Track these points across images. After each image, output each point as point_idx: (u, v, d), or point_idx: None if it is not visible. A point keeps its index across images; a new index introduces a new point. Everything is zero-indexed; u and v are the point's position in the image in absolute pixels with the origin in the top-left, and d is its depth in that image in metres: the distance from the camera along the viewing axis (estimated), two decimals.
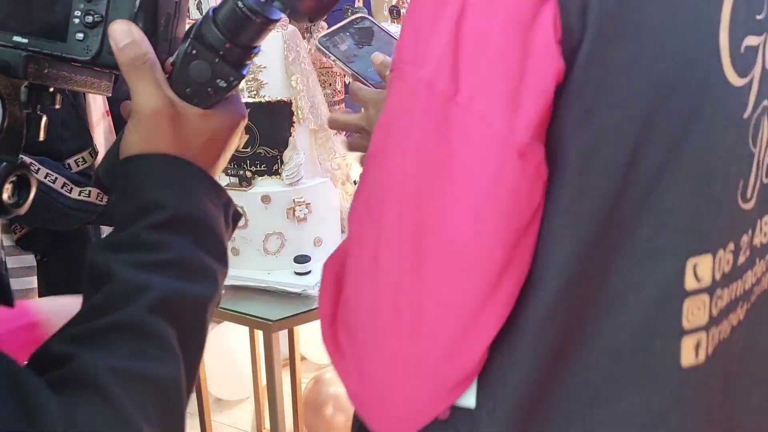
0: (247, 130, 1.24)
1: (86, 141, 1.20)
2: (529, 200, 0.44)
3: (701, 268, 0.48)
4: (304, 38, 2.20)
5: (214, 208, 0.49)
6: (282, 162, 1.27)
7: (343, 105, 2.25)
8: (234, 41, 0.48)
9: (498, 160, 0.43)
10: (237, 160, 1.27)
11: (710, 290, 0.49)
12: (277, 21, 0.49)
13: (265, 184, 1.28)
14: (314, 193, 1.30)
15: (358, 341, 0.50)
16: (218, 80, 0.49)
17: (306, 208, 1.29)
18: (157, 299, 0.43)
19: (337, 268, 0.54)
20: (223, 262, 0.50)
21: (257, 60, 1.20)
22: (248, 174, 1.27)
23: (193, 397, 1.95)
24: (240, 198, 1.27)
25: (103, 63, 0.48)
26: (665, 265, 0.47)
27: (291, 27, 1.26)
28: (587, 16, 0.41)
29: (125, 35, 0.46)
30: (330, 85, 2.12)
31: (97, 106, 1.22)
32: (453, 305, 0.45)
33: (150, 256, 0.45)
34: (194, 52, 0.48)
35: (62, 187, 1.12)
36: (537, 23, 0.42)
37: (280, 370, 1.31)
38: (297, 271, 1.31)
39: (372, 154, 0.49)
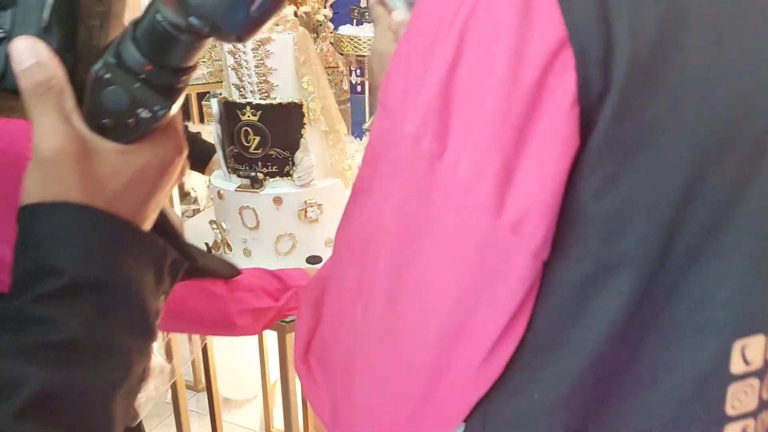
0: (259, 131, 1.24)
1: None
2: (521, 281, 0.40)
3: (751, 351, 0.42)
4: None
5: (137, 265, 0.40)
6: (293, 163, 1.27)
7: (349, 104, 2.26)
8: (157, 62, 0.39)
9: (481, 236, 0.39)
10: (249, 162, 1.28)
11: (761, 373, 0.43)
12: (208, 37, 0.39)
13: (276, 186, 1.29)
14: (326, 195, 1.30)
15: (332, 378, 0.48)
16: (140, 110, 0.39)
17: (318, 209, 1.30)
18: (32, 398, 0.34)
19: (316, 295, 0.53)
20: (146, 332, 0.41)
21: (268, 62, 1.20)
22: (260, 175, 1.28)
23: (204, 397, 1.95)
24: (252, 199, 1.28)
25: (9, 87, 0.39)
26: (707, 344, 0.42)
27: (301, 28, 1.27)
28: (612, 68, 0.37)
29: (28, 55, 0.37)
30: (336, 84, 2.14)
31: None
32: (419, 369, 0.43)
33: (32, 338, 0.36)
34: (108, 76, 0.39)
35: None
36: (547, 83, 0.37)
37: (293, 371, 1.31)
38: (309, 271, 1.32)
39: (358, 190, 0.48)
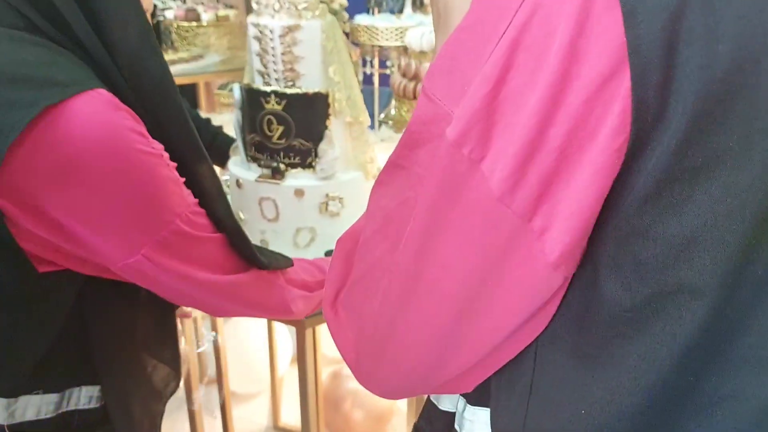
0: (282, 121, 1.21)
1: None
2: (537, 290, 0.41)
3: None
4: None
5: None
6: (317, 155, 1.24)
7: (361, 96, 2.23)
8: None
9: (506, 241, 0.39)
10: (270, 152, 1.24)
11: None
12: None
13: (298, 177, 1.25)
14: (348, 188, 1.27)
15: (358, 330, 0.51)
16: None
17: (339, 203, 1.26)
18: None
19: (348, 246, 0.54)
20: None
21: (295, 50, 1.17)
22: (282, 166, 1.24)
23: (210, 390, 1.93)
24: (272, 190, 1.25)
25: None
26: None
27: (329, 16, 1.23)
28: (671, 94, 0.35)
29: None
30: None
31: None
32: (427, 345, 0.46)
33: None
34: None
35: None
36: (596, 105, 0.36)
37: (312, 367, 1.29)
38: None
39: (394, 166, 0.48)
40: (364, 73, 2.22)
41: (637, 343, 0.40)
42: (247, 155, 1.28)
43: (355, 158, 1.29)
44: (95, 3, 0.69)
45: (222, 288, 0.84)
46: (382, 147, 1.75)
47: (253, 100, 1.22)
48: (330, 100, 1.21)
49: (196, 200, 0.79)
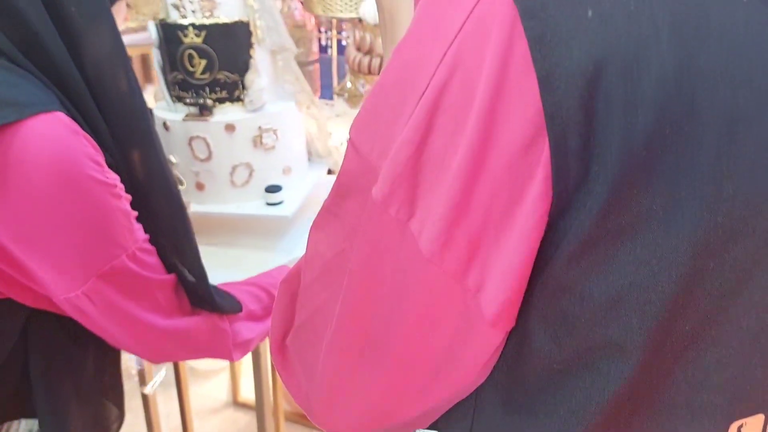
0: (204, 54, 1.17)
1: None
2: (484, 350, 0.41)
3: (749, 430, 0.41)
4: None
5: None
6: (244, 87, 1.20)
7: (317, 65, 2.19)
8: None
9: (444, 301, 0.39)
10: (195, 88, 1.20)
11: None
12: None
13: (227, 112, 1.21)
14: (281, 119, 1.24)
15: (305, 373, 0.51)
16: None
17: (274, 134, 1.23)
18: None
19: (293, 287, 0.53)
20: None
21: None
22: (209, 102, 1.20)
23: (170, 367, 1.88)
24: (202, 128, 1.20)
25: None
26: (703, 426, 0.40)
27: None
28: (592, 158, 0.34)
29: None
30: (304, 44, 2.07)
31: None
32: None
33: None
34: None
35: None
36: (517, 168, 0.35)
37: (267, 348, 1.26)
38: (269, 201, 1.25)
39: (328, 214, 0.48)
40: (320, 44, 2.18)
41: (566, 395, 0.40)
42: (171, 96, 1.23)
43: (283, 87, 1.26)
44: (75, 35, 0.67)
45: (166, 332, 0.80)
46: (337, 122, 1.72)
47: (170, 35, 1.17)
48: (252, 28, 1.17)
49: (147, 237, 0.76)
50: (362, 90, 1.73)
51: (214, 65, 1.18)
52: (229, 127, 1.20)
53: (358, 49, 1.65)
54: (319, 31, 2.20)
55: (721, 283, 0.37)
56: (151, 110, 1.30)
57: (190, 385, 1.89)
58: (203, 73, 1.19)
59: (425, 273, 0.39)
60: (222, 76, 1.19)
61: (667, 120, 0.33)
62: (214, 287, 0.89)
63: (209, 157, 1.22)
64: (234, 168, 1.23)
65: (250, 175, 1.24)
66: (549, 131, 0.34)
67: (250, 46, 1.18)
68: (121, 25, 0.82)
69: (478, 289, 0.38)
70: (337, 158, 1.41)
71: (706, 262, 0.36)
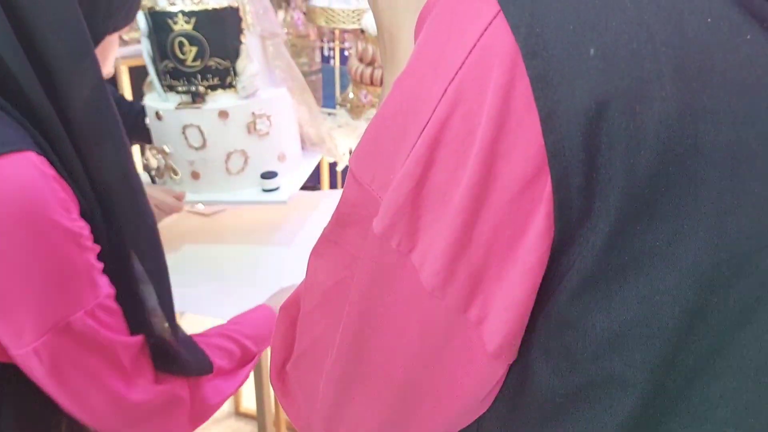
0: (195, 41, 1.16)
1: None
2: (485, 382, 0.40)
3: None
4: (280, 7, 2.14)
5: None
6: (236, 73, 1.19)
7: (320, 75, 2.19)
8: None
9: (446, 332, 0.39)
10: (187, 76, 1.19)
11: None
12: None
13: (219, 99, 1.20)
14: (274, 105, 1.23)
15: (306, 401, 0.50)
16: None
17: (267, 120, 1.22)
18: None
19: (293, 313, 0.52)
20: None
21: None
22: (201, 89, 1.20)
23: None
24: (195, 116, 1.19)
25: None
26: None
27: None
28: (596, 196, 0.34)
29: None
30: (307, 54, 2.08)
31: None
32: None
33: None
34: None
35: None
36: (519, 205, 0.35)
37: (268, 361, 1.24)
38: (265, 188, 1.24)
39: (327, 242, 0.47)
40: (322, 53, 2.19)
41: (568, 428, 0.40)
42: (162, 86, 1.22)
43: (275, 73, 1.25)
44: (55, 75, 0.65)
45: (125, 400, 0.73)
46: (339, 133, 1.72)
47: (159, 23, 1.16)
48: (241, 13, 1.17)
49: (112, 292, 0.70)
50: (364, 100, 1.72)
51: (204, 52, 1.17)
52: (223, 114, 1.19)
53: (361, 59, 1.65)
54: (322, 42, 2.21)
55: (725, 317, 0.37)
56: (142, 107, 1.28)
57: None
58: (194, 60, 1.18)
59: (426, 305, 0.38)
60: (213, 62, 1.18)
61: (670, 158, 0.33)
62: (184, 337, 0.82)
63: (203, 145, 1.21)
64: (229, 155, 1.22)
65: (245, 162, 1.23)
66: (551, 168, 0.34)
67: (240, 31, 1.18)
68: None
69: (480, 322, 0.38)
70: (331, 146, 1.40)
71: (710, 298, 0.36)
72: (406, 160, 0.37)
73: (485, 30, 0.35)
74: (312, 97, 1.33)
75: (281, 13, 2.13)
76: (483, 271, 0.37)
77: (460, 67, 0.35)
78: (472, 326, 0.38)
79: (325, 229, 0.47)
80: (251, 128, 1.21)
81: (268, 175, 1.23)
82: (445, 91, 0.36)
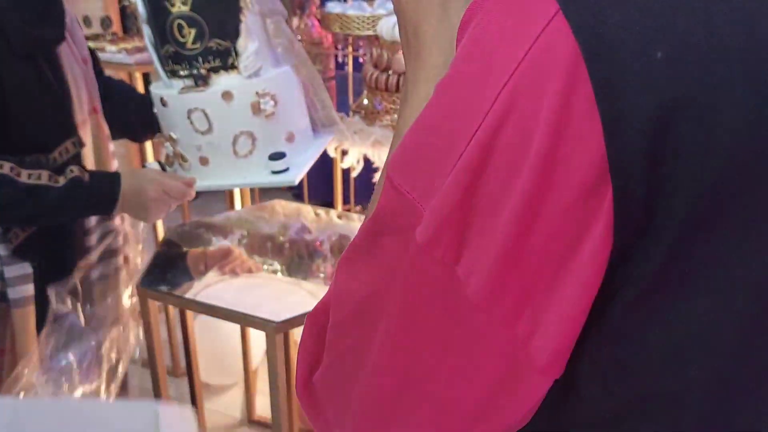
0: (194, 23, 1.14)
1: (69, 132, 1.14)
2: (532, 398, 0.39)
3: None
4: (295, 14, 2.13)
5: None
6: (237, 53, 1.17)
7: (333, 82, 2.17)
8: None
9: (492, 348, 0.37)
10: (188, 59, 1.17)
11: None
12: None
13: (222, 81, 1.18)
14: (278, 83, 1.21)
15: (337, 413, 0.48)
16: None
17: (272, 100, 1.20)
18: None
19: (321, 321, 0.50)
20: None
21: None
22: (203, 72, 1.17)
23: (183, 382, 1.80)
24: (199, 100, 1.17)
25: None
26: None
27: None
28: (659, 206, 0.33)
29: None
30: (321, 61, 2.07)
31: (81, 101, 1.17)
32: None
33: None
34: None
35: (11, 171, 1.05)
36: (576, 215, 0.33)
37: (283, 368, 1.22)
38: (274, 169, 1.22)
39: (360, 249, 0.45)
40: (337, 60, 2.17)
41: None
42: (165, 72, 1.20)
43: (277, 50, 1.23)
44: None
45: None
46: (354, 139, 1.70)
47: (157, 7, 1.14)
48: None
49: None
50: (379, 107, 1.70)
51: (204, 33, 1.15)
52: (226, 95, 1.17)
53: (375, 66, 1.64)
54: (336, 48, 2.20)
55: None
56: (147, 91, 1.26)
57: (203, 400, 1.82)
58: (194, 42, 1.16)
59: (471, 319, 0.37)
60: (213, 44, 1.16)
61: (738, 168, 0.32)
62: None
63: (210, 129, 1.19)
64: (235, 138, 1.20)
65: (253, 144, 1.21)
66: (613, 178, 0.32)
67: (239, 10, 1.16)
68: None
69: (529, 337, 0.36)
70: (342, 127, 1.38)
71: None
72: (453, 168, 0.35)
73: (543, 30, 0.33)
74: (318, 74, 1.31)
75: (295, 20, 2.12)
76: (534, 284, 0.35)
77: (515, 70, 0.33)
78: (521, 342, 0.36)
79: (355, 237, 0.45)
80: (256, 108, 1.19)
81: (276, 156, 1.21)
82: (498, 95, 0.34)
